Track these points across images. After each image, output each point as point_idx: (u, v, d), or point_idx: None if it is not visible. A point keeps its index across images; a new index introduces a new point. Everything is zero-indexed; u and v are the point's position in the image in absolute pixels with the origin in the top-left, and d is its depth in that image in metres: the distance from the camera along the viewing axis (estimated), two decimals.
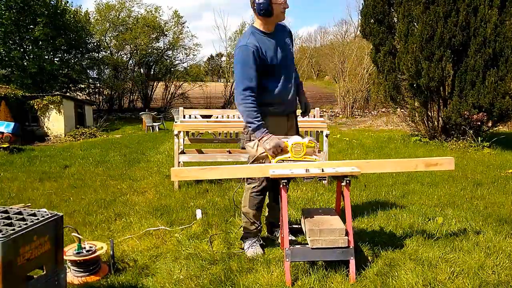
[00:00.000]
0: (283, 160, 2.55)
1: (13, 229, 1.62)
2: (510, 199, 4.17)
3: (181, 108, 5.72)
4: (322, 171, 2.51)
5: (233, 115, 5.67)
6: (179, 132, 5.00)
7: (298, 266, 2.58)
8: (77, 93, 20.11)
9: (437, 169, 2.71)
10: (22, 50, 16.51)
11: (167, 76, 24.25)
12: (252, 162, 2.71)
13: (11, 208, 1.89)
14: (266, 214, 3.18)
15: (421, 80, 8.22)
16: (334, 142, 9.36)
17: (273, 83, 2.71)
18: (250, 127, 2.64)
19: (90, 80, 22.01)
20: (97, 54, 21.59)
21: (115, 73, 22.16)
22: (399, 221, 3.42)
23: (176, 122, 5.48)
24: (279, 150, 2.57)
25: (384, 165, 2.68)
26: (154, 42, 23.49)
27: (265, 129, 2.61)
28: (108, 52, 22.79)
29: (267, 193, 2.97)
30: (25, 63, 15.84)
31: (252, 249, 2.83)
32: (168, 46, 24.33)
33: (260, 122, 2.61)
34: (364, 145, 8.97)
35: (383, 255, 2.73)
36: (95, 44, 21.38)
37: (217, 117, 5.68)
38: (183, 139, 5.46)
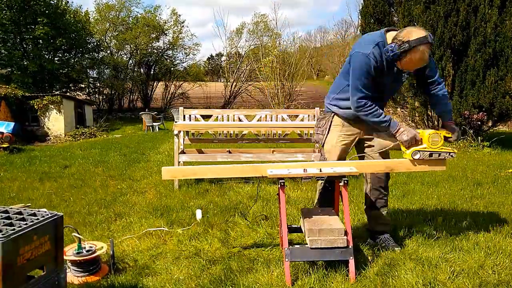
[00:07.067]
0: (418, 151, 2.52)
1: (13, 229, 1.62)
2: (510, 198, 4.17)
3: (181, 108, 5.72)
4: (320, 171, 2.51)
5: (233, 115, 5.67)
6: (179, 132, 5.00)
7: (298, 265, 2.58)
8: (77, 93, 20.10)
9: (430, 169, 2.71)
10: (22, 49, 16.51)
11: (167, 76, 24.25)
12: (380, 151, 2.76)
13: (11, 208, 1.89)
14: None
15: None
16: None
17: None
18: (383, 125, 2.62)
19: (90, 80, 22.00)
20: (97, 54, 21.58)
21: (115, 73, 22.15)
22: (399, 221, 3.42)
23: (176, 122, 5.47)
24: (414, 142, 2.55)
25: (379, 165, 2.67)
26: (154, 42, 23.49)
27: (398, 122, 2.60)
28: (108, 52, 22.78)
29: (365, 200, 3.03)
30: (25, 63, 15.83)
31: None
32: (168, 45, 24.33)
33: (389, 117, 2.60)
34: None
35: (383, 254, 2.73)
36: (95, 44, 21.37)
37: (217, 117, 5.68)
38: (183, 139, 5.45)
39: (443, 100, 2.77)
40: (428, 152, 2.51)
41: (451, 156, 2.55)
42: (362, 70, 2.53)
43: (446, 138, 2.58)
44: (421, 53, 2.37)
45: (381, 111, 2.61)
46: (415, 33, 2.37)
